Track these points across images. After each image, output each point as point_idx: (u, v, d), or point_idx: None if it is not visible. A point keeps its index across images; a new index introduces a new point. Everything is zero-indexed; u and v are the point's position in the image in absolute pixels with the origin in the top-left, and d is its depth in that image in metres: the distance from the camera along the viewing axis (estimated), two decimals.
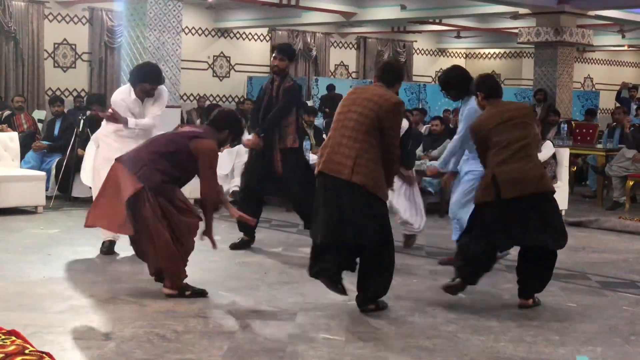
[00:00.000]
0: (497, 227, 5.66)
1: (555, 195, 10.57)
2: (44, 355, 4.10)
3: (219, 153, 10.41)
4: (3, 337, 4.30)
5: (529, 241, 5.73)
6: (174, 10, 10.35)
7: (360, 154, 5.31)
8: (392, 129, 5.44)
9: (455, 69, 7.01)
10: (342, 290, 5.51)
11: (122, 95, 7.10)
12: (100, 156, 7.07)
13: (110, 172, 5.82)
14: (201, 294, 5.73)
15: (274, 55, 7.57)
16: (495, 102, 6.00)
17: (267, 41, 20.18)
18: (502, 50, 24.03)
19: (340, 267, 5.54)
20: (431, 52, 23.86)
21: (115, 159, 5.88)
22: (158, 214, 5.58)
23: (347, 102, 5.56)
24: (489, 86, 6.09)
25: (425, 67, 23.33)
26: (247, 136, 7.74)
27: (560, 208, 10.41)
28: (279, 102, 7.42)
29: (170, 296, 5.66)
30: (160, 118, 7.19)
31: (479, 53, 24.71)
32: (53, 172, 10.25)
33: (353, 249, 5.48)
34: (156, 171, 5.66)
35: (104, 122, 7.24)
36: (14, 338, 4.27)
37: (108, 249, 7.07)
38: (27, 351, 4.09)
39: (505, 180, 5.59)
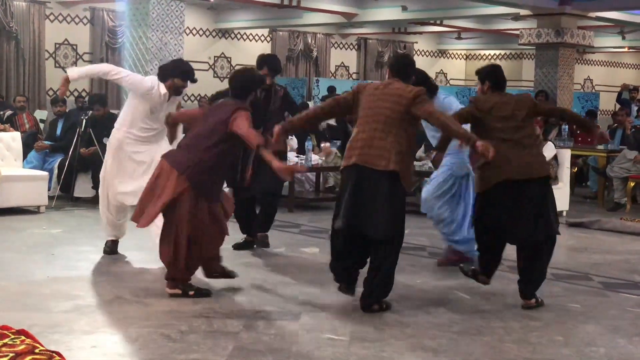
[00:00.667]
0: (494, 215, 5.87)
1: (556, 196, 10.66)
2: (53, 354, 4.11)
3: None
4: (13, 336, 4.31)
5: (517, 238, 5.88)
6: (177, 11, 10.37)
7: (394, 146, 5.46)
8: (427, 111, 5.54)
9: (418, 72, 6.98)
10: (352, 292, 5.65)
11: (152, 84, 6.67)
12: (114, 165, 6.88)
13: (157, 169, 5.79)
14: (205, 294, 5.74)
15: (265, 72, 7.17)
16: (499, 93, 6.13)
17: (268, 42, 20.19)
18: (502, 52, 24.03)
19: (356, 267, 5.65)
20: (432, 54, 23.87)
21: (162, 156, 5.84)
22: (192, 216, 5.58)
23: (372, 98, 5.64)
24: (498, 77, 6.20)
25: (426, 68, 23.05)
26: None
27: (561, 209, 10.54)
28: (288, 108, 7.53)
29: (174, 296, 5.68)
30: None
31: (480, 54, 24.71)
32: (55, 172, 10.27)
33: (366, 243, 5.55)
34: (205, 170, 5.61)
35: (118, 125, 6.94)
36: (23, 337, 4.28)
37: (111, 248, 7.07)
38: (37, 350, 4.10)
39: (505, 164, 5.76)
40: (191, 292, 5.70)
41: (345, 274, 5.65)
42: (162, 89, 6.64)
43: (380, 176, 5.43)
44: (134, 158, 6.81)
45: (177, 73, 6.62)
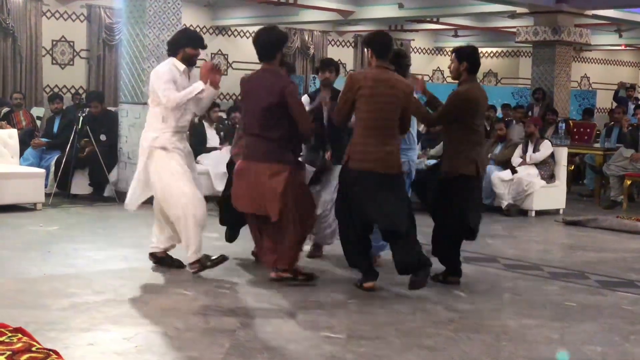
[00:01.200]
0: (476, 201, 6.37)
1: (553, 195, 10.89)
2: (50, 352, 4.10)
3: (219, 152, 10.48)
4: (10, 334, 4.31)
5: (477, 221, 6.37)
6: (173, 8, 10.34)
7: (398, 146, 5.88)
8: (409, 114, 5.98)
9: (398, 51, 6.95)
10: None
11: (169, 67, 6.27)
12: (174, 167, 6.27)
13: (245, 170, 5.98)
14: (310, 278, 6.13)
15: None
16: (474, 79, 6.35)
17: None
18: (499, 50, 24.03)
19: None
20: (428, 51, 23.86)
21: (243, 158, 6.02)
22: (296, 196, 5.93)
23: (373, 99, 5.75)
24: (476, 60, 6.35)
25: (423, 65, 23.32)
26: None
27: (558, 207, 10.57)
28: None
29: (280, 279, 6.03)
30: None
31: None
32: (52, 169, 10.26)
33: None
34: (289, 146, 5.93)
35: (157, 126, 6.29)
36: (20, 335, 4.28)
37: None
38: (33, 349, 4.10)
39: (481, 161, 6.26)
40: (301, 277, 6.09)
41: (367, 262, 6.02)
42: (180, 65, 6.33)
43: (393, 178, 5.78)
44: (182, 156, 6.36)
45: (185, 42, 6.37)
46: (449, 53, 6.94)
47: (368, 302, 5.68)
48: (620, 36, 20.17)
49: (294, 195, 5.91)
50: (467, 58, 6.24)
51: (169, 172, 6.25)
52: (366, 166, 5.71)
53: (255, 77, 6.07)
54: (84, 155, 10.11)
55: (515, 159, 10.54)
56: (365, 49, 6.14)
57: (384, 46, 5.93)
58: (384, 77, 5.81)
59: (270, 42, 5.99)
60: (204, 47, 6.53)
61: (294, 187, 5.93)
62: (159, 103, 6.28)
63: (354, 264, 6.06)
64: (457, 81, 6.39)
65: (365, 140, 5.71)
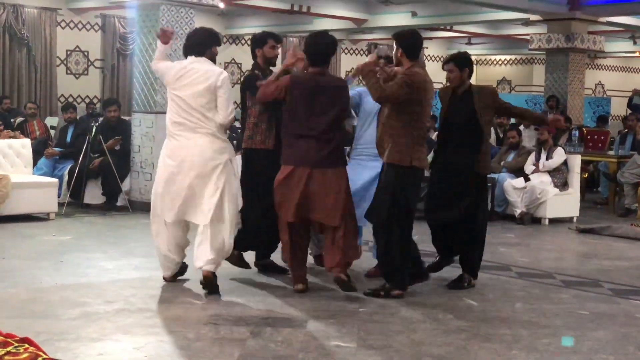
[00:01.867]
0: None
1: (566, 202, 10.92)
2: None
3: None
4: (16, 344, 4.29)
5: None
6: (186, 17, 10.38)
7: None
8: None
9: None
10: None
11: (218, 69, 6.24)
12: None
13: (299, 178, 5.97)
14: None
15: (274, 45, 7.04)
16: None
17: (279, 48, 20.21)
18: (512, 57, 23.98)
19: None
20: (442, 59, 23.81)
21: (293, 163, 5.99)
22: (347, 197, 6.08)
23: (429, 96, 6.08)
24: (472, 64, 6.60)
25: (436, 73, 23.23)
26: None
27: (572, 215, 10.52)
28: None
29: (338, 281, 6.02)
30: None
31: (490, 59, 24.68)
32: (65, 178, 10.31)
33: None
34: (342, 146, 6.13)
35: (221, 137, 6.11)
36: (27, 345, 4.26)
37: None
38: (40, 359, 4.09)
39: None
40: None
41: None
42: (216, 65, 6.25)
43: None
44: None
45: (212, 41, 6.31)
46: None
47: (379, 311, 5.66)
48: (635, 43, 20.09)
49: (347, 198, 6.03)
50: (467, 64, 6.40)
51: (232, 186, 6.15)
52: (424, 164, 6.05)
53: (310, 81, 6.09)
54: (94, 167, 10.15)
55: (528, 167, 10.50)
56: (395, 45, 6.10)
57: (416, 48, 6.09)
58: (428, 79, 6.06)
59: (325, 47, 6.17)
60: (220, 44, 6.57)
61: (347, 189, 6.05)
62: (216, 112, 6.10)
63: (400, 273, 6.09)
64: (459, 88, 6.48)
65: (421, 142, 5.96)
